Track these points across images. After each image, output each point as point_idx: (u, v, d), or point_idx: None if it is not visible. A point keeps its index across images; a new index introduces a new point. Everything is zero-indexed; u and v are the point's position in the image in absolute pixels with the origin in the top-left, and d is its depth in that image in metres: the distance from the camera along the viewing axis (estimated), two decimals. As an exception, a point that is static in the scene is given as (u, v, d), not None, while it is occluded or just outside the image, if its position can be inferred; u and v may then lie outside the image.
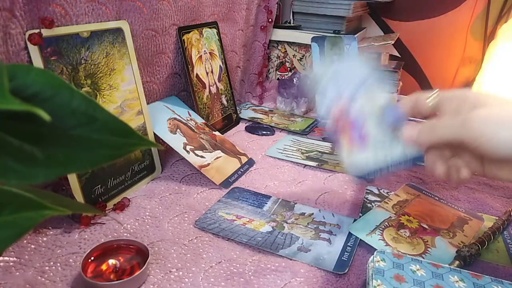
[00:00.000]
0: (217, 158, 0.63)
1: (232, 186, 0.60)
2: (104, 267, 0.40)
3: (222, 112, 0.80)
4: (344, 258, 0.45)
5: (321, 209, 0.55)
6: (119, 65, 0.53)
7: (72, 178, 0.47)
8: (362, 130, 0.46)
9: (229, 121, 0.82)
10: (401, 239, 0.49)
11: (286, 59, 1.05)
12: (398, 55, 1.22)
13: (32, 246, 0.43)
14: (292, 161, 0.69)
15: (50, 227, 0.46)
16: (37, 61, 0.44)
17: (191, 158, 0.59)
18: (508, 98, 0.40)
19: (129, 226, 0.48)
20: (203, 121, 0.70)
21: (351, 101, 0.47)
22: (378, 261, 0.40)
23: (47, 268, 0.40)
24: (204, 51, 0.75)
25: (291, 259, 0.45)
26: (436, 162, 0.42)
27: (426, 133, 0.42)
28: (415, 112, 0.46)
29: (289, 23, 1.04)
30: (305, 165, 0.68)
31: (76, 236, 0.46)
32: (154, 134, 0.59)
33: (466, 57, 1.14)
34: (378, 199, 0.58)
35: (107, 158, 0.21)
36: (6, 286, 0.38)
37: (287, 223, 0.51)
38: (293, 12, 1.03)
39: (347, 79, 0.48)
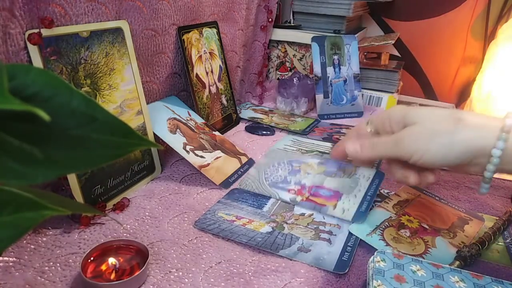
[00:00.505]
0: (217, 158, 0.63)
1: (232, 186, 0.59)
2: (104, 267, 0.40)
3: (222, 112, 0.80)
4: (344, 258, 0.45)
5: (322, 213, 0.55)
6: (118, 65, 0.53)
7: (72, 178, 0.47)
8: (326, 188, 0.57)
9: (229, 121, 0.82)
10: (401, 239, 0.49)
11: (286, 59, 1.05)
12: (399, 55, 1.22)
13: (32, 247, 0.43)
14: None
15: (49, 227, 0.46)
16: (37, 61, 0.43)
17: (191, 158, 0.59)
18: (434, 110, 0.43)
19: (128, 226, 0.48)
20: (203, 121, 0.70)
21: (296, 180, 0.58)
22: (379, 261, 0.40)
23: (46, 268, 0.40)
24: (204, 51, 0.75)
25: (291, 260, 0.45)
26: (401, 172, 0.45)
27: (367, 149, 0.46)
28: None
29: (289, 22, 1.04)
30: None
31: (76, 236, 0.46)
32: (154, 134, 0.59)
33: (466, 57, 1.14)
34: (379, 199, 0.58)
35: (107, 158, 0.21)
36: (6, 286, 0.38)
37: (287, 223, 0.51)
38: (293, 12, 1.03)
39: (280, 172, 0.61)
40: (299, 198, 0.56)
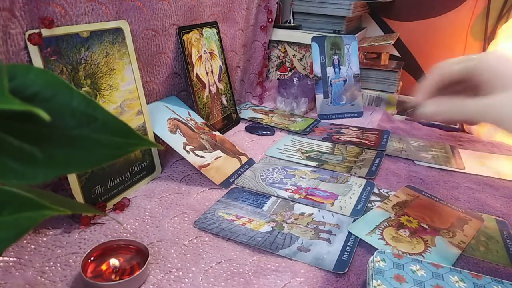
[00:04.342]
0: (217, 158, 0.63)
1: (232, 186, 0.60)
2: (104, 267, 0.40)
3: (222, 112, 0.80)
4: (344, 258, 0.45)
5: (320, 209, 0.55)
6: (119, 65, 0.53)
7: (72, 178, 0.47)
8: (322, 190, 0.60)
9: (229, 121, 0.82)
10: (401, 238, 0.49)
11: (286, 59, 1.05)
12: (398, 55, 1.22)
13: (32, 246, 0.43)
14: (292, 161, 0.69)
15: (50, 227, 0.46)
16: (37, 61, 0.44)
17: (191, 158, 0.59)
18: None
19: (129, 226, 0.48)
20: (203, 121, 0.70)
21: (292, 182, 0.61)
22: (378, 261, 0.40)
23: (47, 268, 0.40)
24: (204, 51, 0.75)
25: (291, 259, 0.45)
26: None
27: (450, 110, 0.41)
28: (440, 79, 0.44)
29: (289, 23, 1.04)
30: (305, 165, 0.68)
31: (76, 236, 0.46)
32: (154, 134, 0.59)
33: (466, 57, 1.14)
34: (378, 199, 0.58)
35: (107, 158, 0.21)
36: (6, 286, 0.38)
37: (286, 223, 0.51)
38: (293, 12, 1.03)
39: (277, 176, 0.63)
40: (297, 196, 0.57)
